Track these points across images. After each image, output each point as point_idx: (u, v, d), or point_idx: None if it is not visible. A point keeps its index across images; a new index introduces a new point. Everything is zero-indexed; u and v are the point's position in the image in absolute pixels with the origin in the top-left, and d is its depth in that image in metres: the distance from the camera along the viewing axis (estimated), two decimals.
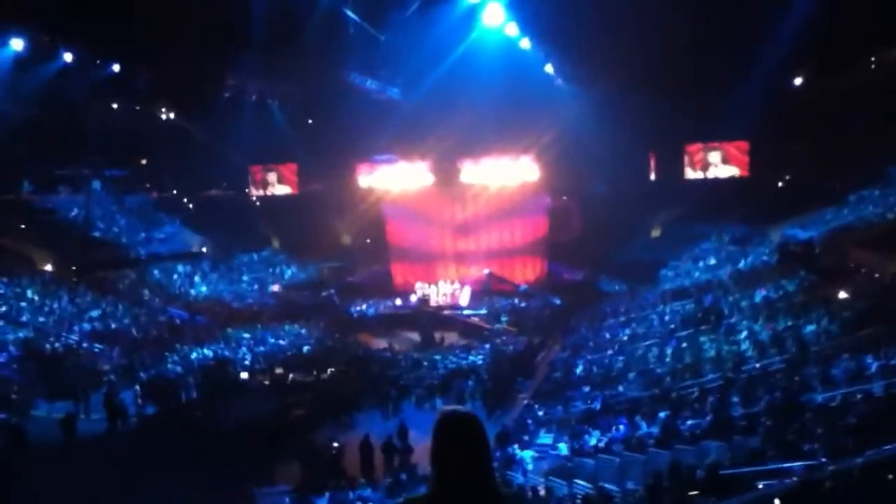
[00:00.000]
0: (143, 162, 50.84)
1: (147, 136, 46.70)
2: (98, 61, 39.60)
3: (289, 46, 39.10)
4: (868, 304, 20.12)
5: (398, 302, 41.27)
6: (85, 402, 22.74)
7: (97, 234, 40.83)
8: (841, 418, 12.89)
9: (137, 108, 46.44)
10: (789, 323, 21.32)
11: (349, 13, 38.88)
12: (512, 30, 37.62)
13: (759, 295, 25.82)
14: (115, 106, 44.89)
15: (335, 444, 18.94)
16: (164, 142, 46.77)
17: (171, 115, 48.88)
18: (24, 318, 29.61)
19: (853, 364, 15.74)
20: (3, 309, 29.92)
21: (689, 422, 15.98)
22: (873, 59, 37.84)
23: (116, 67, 40.14)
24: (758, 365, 18.56)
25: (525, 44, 39.17)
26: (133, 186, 48.54)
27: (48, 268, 35.88)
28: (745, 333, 22.24)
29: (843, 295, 21.99)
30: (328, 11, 38.27)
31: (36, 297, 31.80)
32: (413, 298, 41.10)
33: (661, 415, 16.83)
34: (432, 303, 40.44)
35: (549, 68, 42.00)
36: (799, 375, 16.47)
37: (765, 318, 22.94)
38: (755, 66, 34.99)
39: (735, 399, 16.57)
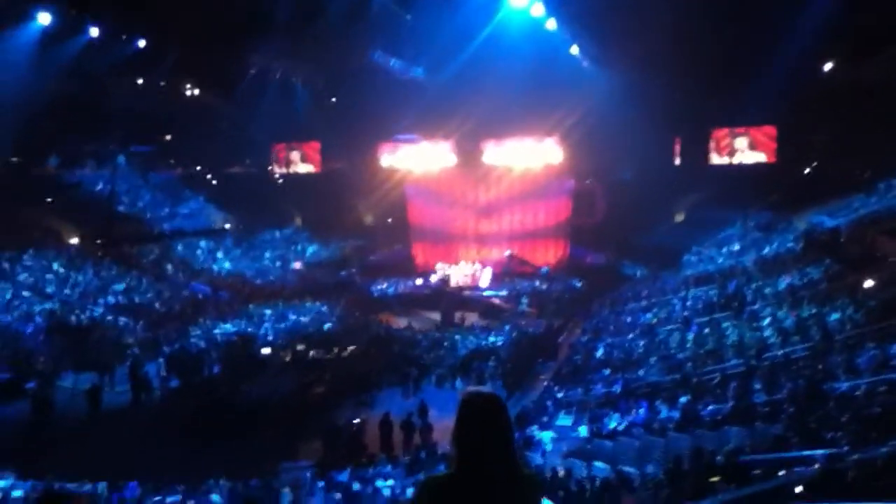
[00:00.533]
0: (168, 138, 51.13)
1: (172, 112, 47.01)
2: (124, 37, 39.74)
3: (314, 25, 39.08)
4: (894, 293, 19.89)
5: (419, 282, 41.32)
6: (110, 374, 23.10)
7: (122, 208, 41.27)
8: (865, 408, 12.82)
9: (163, 84, 46.67)
10: (813, 311, 21.13)
11: None
12: (538, 10, 37.25)
13: (784, 282, 25.59)
14: (140, 82, 45.14)
15: (355, 422, 19.11)
16: (189, 118, 47.04)
17: (196, 92, 49.07)
18: (50, 291, 30.07)
19: (878, 353, 15.61)
20: (31, 281, 30.40)
21: (711, 407, 15.95)
22: None
23: (142, 43, 40.25)
24: (781, 352, 18.45)
25: (551, 24, 38.80)
26: (158, 162, 48.93)
27: (74, 241, 36.34)
28: (768, 320, 22.09)
29: (868, 283, 21.74)
30: None
31: (62, 270, 32.26)
32: (434, 279, 41.15)
33: (682, 400, 16.80)
34: (453, 283, 40.47)
35: (574, 50, 41.60)
36: (823, 363, 16.37)
37: (789, 305, 22.76)
38: (783, 51, 34.41)
39: (757, 386, 16.51)
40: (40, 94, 35.72)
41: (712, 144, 44.82)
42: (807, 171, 42.29)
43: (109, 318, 28.98)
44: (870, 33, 34.43)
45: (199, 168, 51.75)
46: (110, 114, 40.95)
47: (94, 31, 36.90)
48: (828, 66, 40.32)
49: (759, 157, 43.63)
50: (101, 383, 21.95)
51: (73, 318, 27.89)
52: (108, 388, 22.28)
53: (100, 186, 41.59)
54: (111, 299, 30.90)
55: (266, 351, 26.58)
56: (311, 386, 22.76)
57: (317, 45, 42.22)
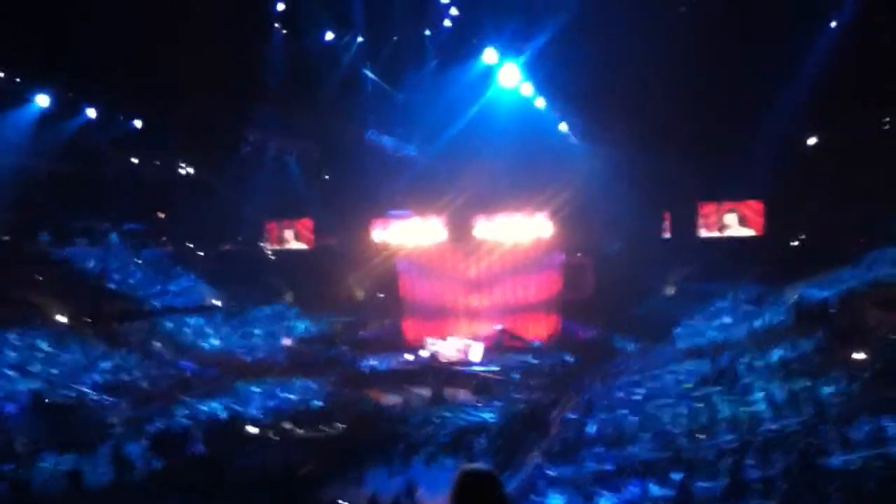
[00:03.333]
0: (161, 215, 51.45)
1: (166, 190, 47.49)
2: (121, 117, 40.43)
3: (307, 104, 39.93)
4: (886, 365, 19.77)
5: (409, 357, 40.95)
6: (92, 455, 22.55)
7: (112, 286, 41.11)
8: (861, 483, 12.59)
9: (157, 162, 47.29)
10: (806, 383, 20.95)
11: (367, 73, 39.78)
12: (527, 90, 38.14)
13: (776, 355, 25.44)
14: (135, 160, 45.73)
15: (342, 503, 18.62)
16: (182, 196, 47.51)
17: (190, 170, 49.67)
18: (34, 369, 29.64)
19: (872, 427, 15.41)
20: (15, 359, 30.01)
21: (705, 484, 15.62)
22: (888, 119, 37.96)
23: (139, 123, 40.91)
24: (774, 426, 18.20)
25: (540, 103, 39.68)
26: (150, 240, 49.04)
27: (62, 319, 36.02)
28: (761, 394, 21.85)
29: (860, 355, 21.63)
30: (347, 70, 39.21)
31: (48, 348, 31.87)
32: (424, 354, 40.82)
33: (676, 477, 16.45)
34: (443, 358, 40.11)
35: (563, 127, 42.47)
36: (816, 438, 16.13)
37: (781, 378, 22.57)
38: (769, 126, 35.20)
39: (751, 461, 16.21)
40: (36, 172, 36.12)
41: (700, 220, 45.27)
42: (795, 243, 42.67)
43: (94, 396, 28.50)
44: (852, 107, 35.33)
45: (190, 245, 51.87)
46: (105, 192, 41.35)
47: (92, 112, 37.54)
48: (812, 141, 41.17)
49: (749, 233, 44.03)
50: (82, 464, 21.40)
51: (57, 397, 27.41)
52: (89, 470, 21.71)
53: (91, 264, 41.52)
54: (97, 378, 30.45)
55: (253, 429, 26.09)
56: (298, 464, 22.26)
57: (311, 123, 43.07)
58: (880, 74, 32.01)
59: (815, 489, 12.93)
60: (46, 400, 26.82)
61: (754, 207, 44.07)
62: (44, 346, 31.98)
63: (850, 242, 35.28)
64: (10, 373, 28.67)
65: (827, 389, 19.77)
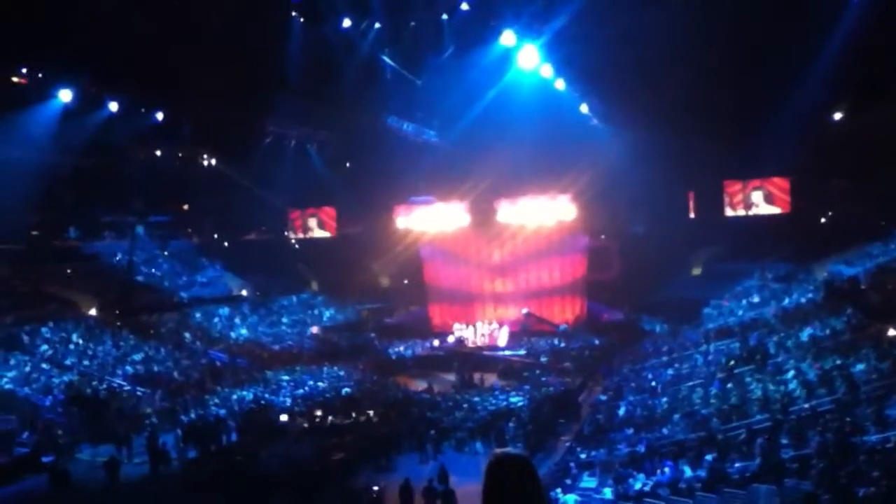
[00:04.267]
0: (186, 207, 51.84)
1: (189, 182, 47.83)
2: (143, 110, 40.70)
3: (327, 92, 39.95)
4: None
5: (436, 343, 41.09)
6: (128, 446, 22.92)
7: (140, 278, 41.59)
8: None
9: (180, 154, 47.62)
10: (838, 362, 20.73)
11: (386, 59, 39.68)
12: (546, 71, 37.84)
13: (806, 333, 25.19)
14: (158, 153, 46.09)
15: (375, 488, 18.74)
16: (205, 187, 47.84)
17: (213, 161, 49.96)
18: (68, 362, 30.13)
19: None
20: (50, 353, 30.50)
21: (737, 464, 15.56)
22: None
23: (160, 116, 41.18)
24: (807, 405, 18.04)
25: (560, 85, 39.37)
26: (175, 231, 49.50)
27: (92, 312, 36.53)
28: (792, 373, 21.67)
29: (892, 332, 21.36)
30: (366, 57, 39.11)
31: (80, 341, 32.36)
32: (451, 339, 40.92)
33: (708, 457, 16.38)
34: (470, 344, 40.19)
35: (584, 108, 42.16)
36: (850, 416, 15.98)
37: (812, 357, 22.36)
38: (793, 102, 34.67)
39: (784, 441, 16.10)
40: (61, 167, 36.49)
41: (726, 199, 44.88)
42: (823, 220, 42.14)
43: (128, 388, 28.93)
44: (877, 82, 34.65)
45: (216, 236, 52.29)
46: (129, 185, 41.74)
47: (114, 106, 37.82)
48: (837, 116, 40.50)
49: (775, 210, 43.59)
50: (119, 455, 21.77)
51: (91, 389, 27.85)
52: (126, 460, 22.09)
53: (118, 257, 42.02)
54: (129, 369, 30.89)
55: (284, 417, 26.33)
56: (329, 452, 22.43)
57: (331, 111, 43.09)
58: None
59: (851, 468, 12.83)
60: (82, 392, 27.23)
61: (780, 185, 43.60)
62: (77, 339, 32.46)
63: (879, 218, 34.80)
64: (46, 366, 29.16)
65: (860, 367, 19.56)
